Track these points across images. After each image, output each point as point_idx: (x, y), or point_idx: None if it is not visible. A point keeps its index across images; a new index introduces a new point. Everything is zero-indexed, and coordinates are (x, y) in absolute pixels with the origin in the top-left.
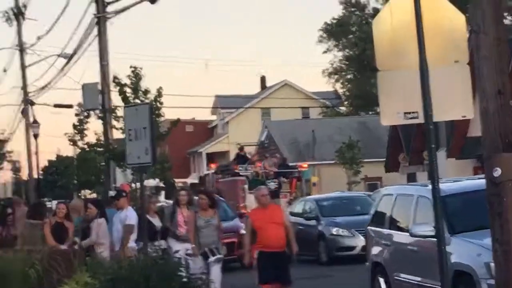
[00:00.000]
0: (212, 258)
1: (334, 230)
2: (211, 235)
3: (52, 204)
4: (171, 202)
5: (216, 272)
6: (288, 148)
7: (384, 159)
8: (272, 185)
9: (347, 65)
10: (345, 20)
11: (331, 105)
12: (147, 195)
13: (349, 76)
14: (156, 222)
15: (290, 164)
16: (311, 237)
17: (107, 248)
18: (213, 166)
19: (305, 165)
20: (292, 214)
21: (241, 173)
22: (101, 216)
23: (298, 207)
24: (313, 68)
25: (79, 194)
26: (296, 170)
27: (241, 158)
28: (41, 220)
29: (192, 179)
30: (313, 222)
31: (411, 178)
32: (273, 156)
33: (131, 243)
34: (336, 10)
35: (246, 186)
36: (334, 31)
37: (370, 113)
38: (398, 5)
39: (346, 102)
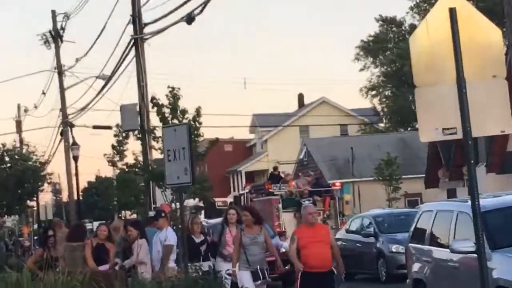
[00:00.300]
0: (262, 280)
1: (394, 248)
2: (258, 253)
3: (93, 225)
4: (210, 221)
5: None
6: (327, 166)
7: (424, 175)
8: (307, 203)
9: (385, 81)
10: (381, 36)
11: (370, 122)
12: (191, 214)
13: (387, 93)
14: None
15: (326, 181)
16: (370, 255)
17: (149, 269)
18: (247, 185)
19: (338, 184)
20: (348, 231)
21: (275, 193)
22: (141, 237)
23: (353, 224)
24: (350, 85)
25: (120, 215)
26: (329, 188)
27: (275, 177)
28: (81, 241)
29: (231, 198)
30: (371, 239)
31: (451, 194)
32: (306, 174)
33: (171, 263)
34: (372, 27)
35: (280, 205)
36: (371, 48)
37: (409, 129)
38: (435, 21)
39: (384, 119)
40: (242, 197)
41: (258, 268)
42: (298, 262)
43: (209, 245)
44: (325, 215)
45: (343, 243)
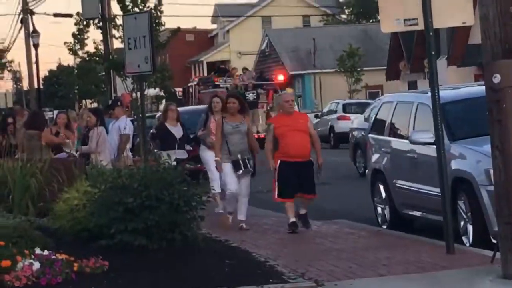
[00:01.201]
0: (243, 170)
1: None
2: (240, 142)
3: (54, 114)
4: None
5: (245, 185)
6: (289, 57)
7: (385, 67)
8: (251, 96)
9: None
10: None
11: (332, 13)
12: (167, 103)
13: None
14: (177, 131)
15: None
16: None
17: (107, 157)
18: (195, 78)
19: (281, 78)
20: None
21: (221, 85)
22: (100, 125)
23: None
24: None
25: (80, 104)
26: (272, 82)
27: (222, 71)
28: (39, 129)
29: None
30: None
31: (412, 86)
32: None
33: (127, 153)
34: None
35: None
36: None
37: (372, 21)
38: None
39: (347, 10)
40: (190, 88)
41: (239, 157)
42: (271, 160)
43: (184, 134)
44: (268, 108)
45: None
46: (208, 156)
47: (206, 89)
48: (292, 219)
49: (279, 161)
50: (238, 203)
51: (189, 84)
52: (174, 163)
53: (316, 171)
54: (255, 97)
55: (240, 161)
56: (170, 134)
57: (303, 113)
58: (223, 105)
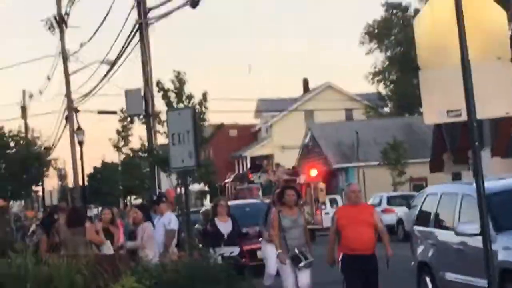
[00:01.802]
0: (303, 262)
1: None
2: (299, 236)
3: (99, 210)
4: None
5: (306, 277)
6: (332, 150)
7: (429, 160)
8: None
9: (390, 66)
10: (387, 21)
11: (375, 106)
12: (218, 197)
13: (392, 77)
14: (225, 227)
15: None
16: None
17: (153, 252)
18: (230, 175)
19: (314, 173)
20: None
21: (255, 181)
22: (146, 220)
23: None
24: (355, 70)
25: (125, 201)
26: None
27: (256, 167)
28: (80, 225)
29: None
30: None
31: (456, 178)
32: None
33: (173, 248)
34: (378, 12)
35: (260, 192)
36: (377, 33)
37: (415, 114)
38: (439, 3)
39: (389, 103)
40: (226, 185)
41: (297, 252)
42: (331, 253)
43: (234, 230)
44: (301, 203)
45: None
46: (268, 250)
47: (241, 185)
48: None
49: (341, 254)
50: None
51: (226, 181)
52: (219, 259)
53: (387, 260)
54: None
55: (299, 255)
56: (217, 231)
57: (369, 205)
58: (278, 195)
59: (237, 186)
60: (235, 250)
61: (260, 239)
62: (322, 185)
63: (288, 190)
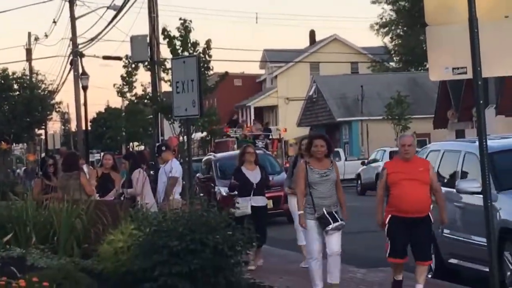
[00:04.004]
0: (332, 225)
1: None
2: (329, 194)
3: (101, 155)
4: (218, 155)
5: (335, 242)
6: (336, 103)
7: (433, 116)
8: (260, 145)
9: (397, 19)
10: None
11: (381, 60)
12: (244, 145)
13: (398, 31)
14: (253, 175)
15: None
16: None
17: (152, 200)
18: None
19: (284, 129)
20: None
21: (231, 135)
22: (134, 168)
23: None
24: (362, 23)
25: (128, 146)
26: (278, 132)
27: (233, 122)
28: (76, 170)
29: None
30: None
31: (460, 135)
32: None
33: (176, 196)
34: None
35: (235, 146)
36: None
37: (420, 69)
38: None
39: (395, 58)
40: (205, 139)
41: (325, 212)
42: (380, 214)
43: (263, 179)
44: (273, 155)
45: None
46: (294, 204)
47: (219, 138)
48: (399, 278)
49: (389, 216)
50: (329, 264)
51: (200, 135)
52: (249, 211)
53: (440, 227)
54: (264, 146)
55: (327, 215)
56: (245, 180)
57: (425, 160)
58: (306, 146)
59: (215, 139)
60: (264, 201)
61: (288, 191)
62: (292, 140)
63: (317, 139)
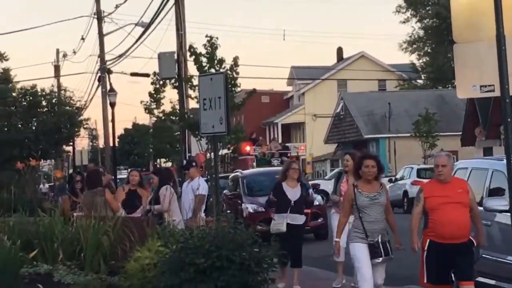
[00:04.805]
0: (383, 258)
1: None
2: (379, 219)
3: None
4: (245, 172)
5: (379, 275)
6: (364, 120)
7: (461, 133)
8: (276, 162)
9: (425, 37)
10: None
11: (408, 78)
12: (289, 160)
13: (427, 49)
14: (293, 193)
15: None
16: None
17: (179, 216)
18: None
19: (302, 147)
20: None
21: (250, 153)
22: (162, 184)
23: None
24: (390, 40)
25: (155, 163)
26: (296, 150)
27: (252, 140)
28: (100, 186)
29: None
30: None
31: (488, 153)
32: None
33: (201, 213)
34: None
35: (254, 164)
36: (413, 1)
37: (448, 86)
38: None
39: (423, 75)
40: (226, 155)
41: (379, 240)
42: (416, 237)
43: (302, 197)
44: (382, 176)
45: None
46: (336, 222)
47: (238, 156)
48: None
49: (428, 240)
50: None
51: (225, 152)
52: (284, 229)
53: (476, 252)
54: (280, 163)
55: (380, 245)
56: (284, 196)
57: (462, 180)
58: (354, 166)
59: (234, 157)
60: (301, 219)
61: (331, 208)
62: (309, 158)
63: (367, 160)
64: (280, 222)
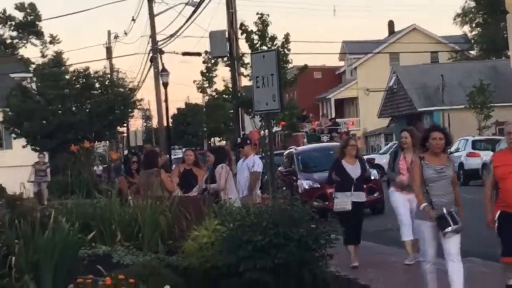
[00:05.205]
0: (452, 227)
1: None
2: (446, 192)
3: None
4: (299, 148)
5: (454, 245)
6: (416, 93)
7: None
8: (325, 138)
9: (477, 8)
10: None
11: (461, 49)
12: (346, 137)
13: (479, 20)
14: (354, 170)
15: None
16: None
17: (235, 194)
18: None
19: (351, 123)
20: None
21: (300, 130)
22: (218, 163)
23: None
24: (442, 12)
25: (209, 142)
26: (345, 126)
27: (302, 117)
28: (156, 167)
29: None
30: None
31: None
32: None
33: (256, 190)
34: None
35: (305, 140)
36: None
37: (501, 57)
38: None
39: (475, 47)
40: (277, 133)
41: (445, 211)
42: (490, 211)
43: (363, 173)
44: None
45: None
46: (397, 198)
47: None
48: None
49: (498, 212)
50: (450, 270)
51: (275, 129)
52: (350, 207)
53: None
54: (329, 139)
55: (447, 216)
56: (345, 174)
57: None
58: (413, 141)
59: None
60: (363, 196)
61: (386, 183)
62: (359, 133)
63: (435, 132)
64: (345, 201)
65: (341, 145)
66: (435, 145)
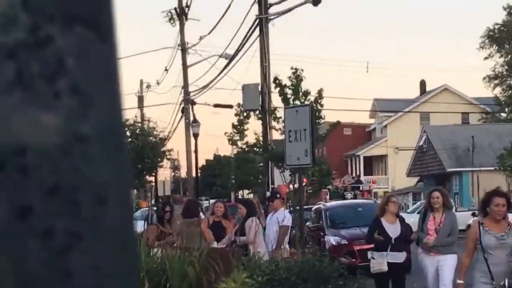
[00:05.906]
0: None
1: None
2: (506, 260)
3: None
4: (327, 204)
5: None
6: (447, 153)
7: None
8: (349, 196)
9: (509, 71)
10: (508, 25)
11: (492, 111)
12: (388, 195)
13: (510, 82)
14: (393, 229)
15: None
16: None
17: (264, 248)
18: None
19: (374, 181)
20: None
21: (324, 187)
22: (250, 216)
23: None
24: (473, 74)
25: (237, 194)
26: (368, 184)
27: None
28: (196, 217)
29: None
30: None
31: None
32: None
33: (285, 245)
34: (500, 16)
35: (327, 197)
36: (497, 37)
37: None
38: None
39: (506, 109)
40: (300, 188)
41: (506, 283)
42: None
43: (403, 233)
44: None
45: None
46: (423, 260)
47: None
48: None
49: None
50: None
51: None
52: (386, 268)
53: None
54: (352, 197)
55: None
56: (384, 233)
57: None
58: (444, 201)
59: (308, 190)
60: (402, 256)
61: (420, 250)
62: (381, 193)
63: (498, 197)
64: (381, 262)
65: (381, 203)
66: (497, 212)
